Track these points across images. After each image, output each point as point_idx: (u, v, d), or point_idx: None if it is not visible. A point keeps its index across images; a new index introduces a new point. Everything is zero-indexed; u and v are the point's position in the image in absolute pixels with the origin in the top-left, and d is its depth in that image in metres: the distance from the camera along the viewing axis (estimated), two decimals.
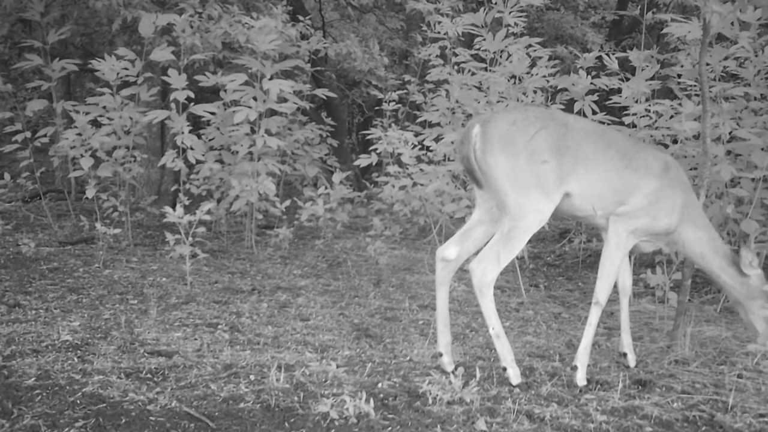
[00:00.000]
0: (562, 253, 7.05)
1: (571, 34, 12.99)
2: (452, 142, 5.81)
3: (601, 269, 3.32)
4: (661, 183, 3.33)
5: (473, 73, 5.97)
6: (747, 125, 4.95)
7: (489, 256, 3.09)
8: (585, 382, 3.25)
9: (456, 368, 3.22)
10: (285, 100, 6.68)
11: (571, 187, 3.17)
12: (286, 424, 2.73)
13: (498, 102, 5.39)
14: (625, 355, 3.57)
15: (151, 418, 2.72)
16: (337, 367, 3.34)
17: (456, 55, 6.25)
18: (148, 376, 3.17)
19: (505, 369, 3.20)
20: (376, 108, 12.10)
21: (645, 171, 3.31)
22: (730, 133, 4.89)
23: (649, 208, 3.31)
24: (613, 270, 3.32)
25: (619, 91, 5.75)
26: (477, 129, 3.14)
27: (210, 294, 4.81)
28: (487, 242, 3.22)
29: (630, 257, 5.34)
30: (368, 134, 6.61)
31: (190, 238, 5.03)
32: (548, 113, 3.24)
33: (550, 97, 6.81)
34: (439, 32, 6.42)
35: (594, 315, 3.30)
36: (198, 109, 6.45)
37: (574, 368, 3.27)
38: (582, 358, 3.28)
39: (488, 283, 3.10)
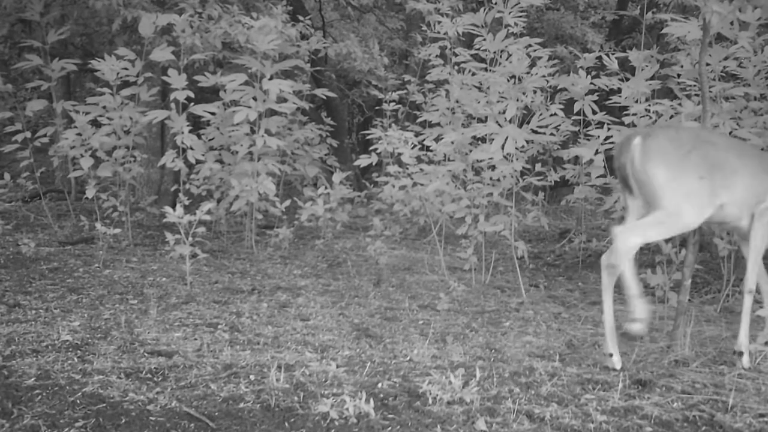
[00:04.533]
0: (562, 253, 7.05)
1: (571, 34, 12.96)
2: (452, 142, 5.81)
3: (752, 261, 3.63)
4: None
5: (473, 73, 5.97)
6: (747, 125, 4.95)
7: (636, 229, 3.35)
8: (749, 364, 3.58)
9: (456, 368, 3.23)
10: (285, 100, 6.68)
11: (723, 199, 3.46)
12: (286, 424, 2.73)
13: (498, 102, 5.38)
14: (740, 354, 3.63)
15: (151, 418, 2.72)
16: (337, 367, 3.34)
17: (456, 55, 6.24)
18: (148, 376, 3.17)
19: (633, 320, 3.33)
20: (376, 108, 12.09)
21: None
22: (730, 133, 4.89)
23: None
24: (760, 259, 3.66)
25: (619, 91, 5.74)
26: (638, 141, 3.40)
27: (210, 294, 4.81)
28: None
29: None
30: (368, 134, 6.61)
31: (190, 238, 5.03)
32: (696, 134, 3.56)
33: (549, 97, 6.80)
34: (439, 32, 6.41)
35: (747, 302, 3.64)
36: (198, 109, 6.45)
37: (740, 354, 3.60)
38: (744, 342, 3.60)
39: (629, 248, 3.33)
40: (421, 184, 6.04)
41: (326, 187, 6.86)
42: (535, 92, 6.10)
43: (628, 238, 3.33)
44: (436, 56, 7.16)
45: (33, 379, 3.04)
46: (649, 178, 3.36)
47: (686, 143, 3.41)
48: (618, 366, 3.50)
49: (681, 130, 3.59)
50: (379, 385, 3.14)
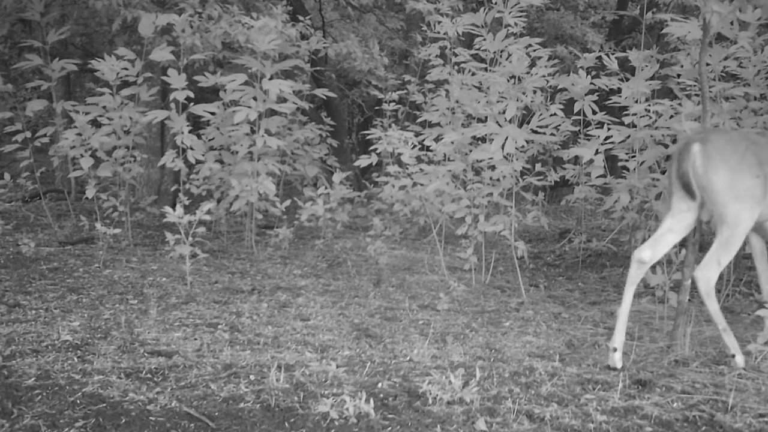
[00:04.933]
0: (562, 253, 7.05)
1: (571, 34, 12.96)
2: (452, 142, 5.81)
3: None
4: None
5: (473, 73, 5.97)
6: (747, 125, 4.95)
7: (710, 263, 3.46)
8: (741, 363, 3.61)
9: (456, 368, 3.23)
10: (285, 100, 6.67)
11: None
12: (286, 424, 2.73)
13: (498, 102, 5.38)
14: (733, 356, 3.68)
15: (151, 418, 2.72)
16: (337, 367, 3.34)
17: (456, 55, 6.24)
18: (148, 376, 3.17)
19: (733, 356, 3.53)
20: (376, 108, 12.09)
21: None
22: None
23: None
24: None
25: (618, 91, 5.75)
26: (697, 147, 3.48)
27: (210, 294, 4.81)
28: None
29: None
30: (368, 134, 6.61)
31: (190, 238, 5.03)
32: (744, 134, 3.66)
33: (549, 97, 6.80)
34: (439, 32, 6.41)
35: None
36: (198, 109, 6.45)
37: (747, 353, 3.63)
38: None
39: (713, 286, 3.47)
40: (421, 184, 6.03)
41: (326, 187, 6.86)
42: (535, 92, 6.10)
43: (709, 275, 3.44)
44: (436, 56, 7.16)
45: (33, 379, 3.04)
46: (710, 183, 3.44)
47: (740, 144, 3.49)
48: (619, 364, 3.50)
49: (731, 132, 3.70)
50: (379, 385, 3.15)
